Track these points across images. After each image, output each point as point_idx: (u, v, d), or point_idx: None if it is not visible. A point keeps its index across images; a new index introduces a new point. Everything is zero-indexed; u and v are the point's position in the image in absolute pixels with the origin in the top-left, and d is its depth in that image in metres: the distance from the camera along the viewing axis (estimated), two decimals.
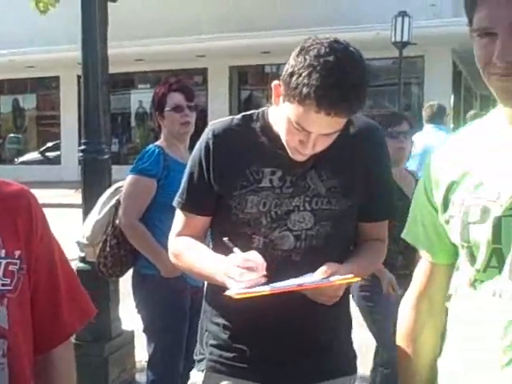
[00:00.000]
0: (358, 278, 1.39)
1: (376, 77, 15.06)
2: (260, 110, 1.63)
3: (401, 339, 1.38)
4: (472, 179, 1.18)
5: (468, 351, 1.19)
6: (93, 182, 3.49)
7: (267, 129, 1.57)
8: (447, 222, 1.23)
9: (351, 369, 1.69)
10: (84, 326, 1.29)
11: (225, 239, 1.47)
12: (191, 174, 1.62)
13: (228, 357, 1.62)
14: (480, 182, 1.16)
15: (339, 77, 1.34)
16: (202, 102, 16.67)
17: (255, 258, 1.40)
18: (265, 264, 1.39)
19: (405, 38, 11.71)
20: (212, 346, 1.65)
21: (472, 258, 1.18)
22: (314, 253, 1.53)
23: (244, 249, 1.45)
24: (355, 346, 1.73)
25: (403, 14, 11.63)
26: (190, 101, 2.80)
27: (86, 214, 3.48)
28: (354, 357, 1.71)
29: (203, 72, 16.45)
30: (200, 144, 1.61)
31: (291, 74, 1.38)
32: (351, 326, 1.72)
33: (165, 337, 2.72)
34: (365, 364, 3.50)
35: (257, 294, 1.34)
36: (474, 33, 1.11)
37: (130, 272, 2.87)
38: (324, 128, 1.41)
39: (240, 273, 1.38)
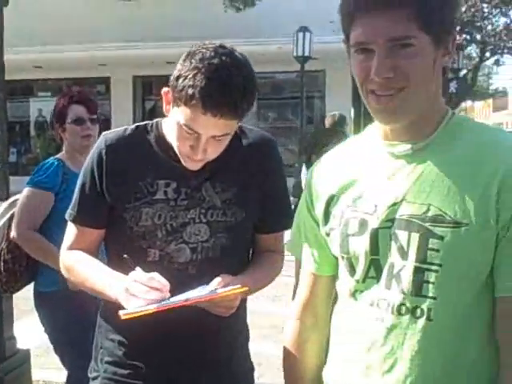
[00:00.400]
0: (246, 289, 1.37)
1: (279, 90, 15.38)
2: (154, 120, 1.61)
3: (286, 351, 1.39)
4: (351, 193, 1.23)
5: (350, 362, 1.22)
6: None
7: (161, 140, 1.56)
8: (328, 234, 1.27)
9: (248, 382, 1.68)
10: None
11: (125, 256, 1.43)
12: (83, 186, 1.57)
13: (123, 374, 1.58)
14: (358, 196, 1.21)
15: (224, 78, 1.36)
16: (106, 112, 16.35)
17: (159, 278, 1.37)
18: (168, 286, 1.36)
19: (306, 53, 12.06)
20: (107, 362, 1.61)
21: (351, 269, 1.22)
22: (210, 265, 1.52)
23: (140, 262, 1.42)
24: (255, 357, 1.73)
25: (304, 29, 11.97)
26: (92, 113, 2.74)
27: None
28: (252, 369, 1.70)
29: (106, 81, 16.13)
30: (92, 154, 1.57)
31: (177, 78, 1.39)
32: (248, 338, 1.72)
33: (72, 351, 2.62)
34: (265, 375, 3.54)
35: (144, 313, 1.31)
36: (352, 48, 1.15)
37: (29, 288, 2.76)
38: (213, 130, 1.40)
39: (145, 291, 1.34)
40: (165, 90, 1.48)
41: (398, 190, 1.16)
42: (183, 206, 1.52)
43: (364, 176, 1.22)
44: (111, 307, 1.51)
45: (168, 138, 1.54)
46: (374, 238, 1.17)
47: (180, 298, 1.35)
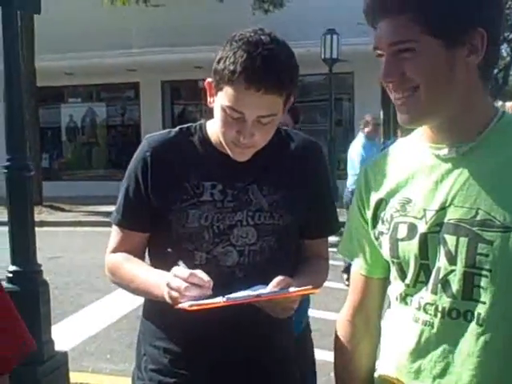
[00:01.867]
0: (318, 290, 1.36)
1: (308, 92, 15.32)
2: (197, 123, 1.61)
3: (338, 354, 1.39)
4: (399, 197, 1.22)
5: (401, 366, 1.21)
6: (18, 199, 3.38)
7: (205, 141, 1.55)
8: (377, 238, 1.27)
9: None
10: (23, 359, 1.17)
11: (169, 250, 1.41)
12: (127, 189, 1.56)
13: (169, 382, 1.55)
14: (407, 200, 1.20)
15: (265, 53, 1.35)
16: (135, 117, 16.50)
17: (202, 275, 1.34)
18: (211, 282, 1.32)
19: (334, 55, 11.98)
20: (152, 370, 1.58)
21: (402, 274, 1.21)
22: (257, 268, 1.50)
23: (187, 265, 1.40)
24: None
25: (332, 31, 11.90)
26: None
27: (12, 231, 3.36)
28: (313, 372, 1.73)
29: (135, 86, 16.27)
30: (136, 157, 1.56)
31: (219, 61, 1.39)
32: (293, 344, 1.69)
33: None
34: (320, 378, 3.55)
35: (211, 306, 1.28)
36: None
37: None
38: (257, 108, 1.38)
39: (185, 286, 1.30)
40: (208, 80, 1.47)
41: (446, 194, 1.15)
42: (230, 208, 1.51)
43: (412, 180, 1.22)
44: (156, 311, 1.52)
45: (213, 140, 1.54)
46: (423, 242, 1.16)
47: (250, 294, 1.33)
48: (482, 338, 1.11)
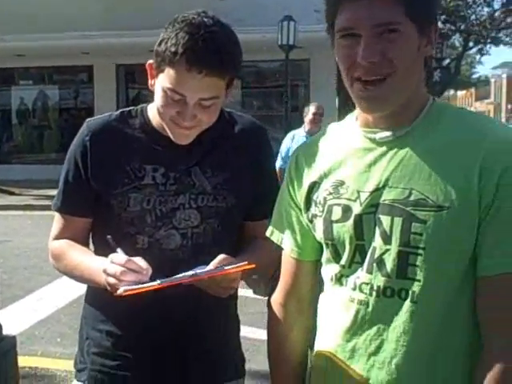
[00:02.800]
0: (253, 265, 1.34)
1: (264, 78, 15.33)
2: (139, 106, 1.59)
3: (271, 337, 1.39)
4: (332, 180, 1.24)
5: (336, 345, 1.23)
6: None
7: (147, 125, 1.53)
8: (311, 221, 1.28)
9: (238, 373, 1.67)
10: None
11: (108, 237, 1.40)
12: (67, 174, 1.54)
13: (111, 365, 1.54)
14: (340, 183, 1.22)
15: (207, 33, 1.34)
16: (89, 100, 16.21)
17: (139, 261, 1.33)
18: (149, 269, 1.31)
19: (291, 42, 12.01)
20: (94, 354, 1.57)
21: (337, 255, 1.23)
22: (201, 251, 1.50)
23: (128, 249, 1.39)
24: (242, 343, 1.71)
25: (289, 18, 11.92)
26: None
27: None
28: (243, 360, 1.70)
29: (89, 69, 15.98)
30: (75, 142, 1.54)
31: (160, 42, 1.38)
32: (239, 329, 1.71)
33: None
34: (252, 361, 3.59)
35: (146, 289, 1.28)
36: (337, 34, 1.15)
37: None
38: (199, 90, 1.36)
39: (121, 271, 1.29)
40: (149, 62, 1.44)
41: (380, 175, 1.17)
42: (172, 191, 1.50)
43: (345, 163, 1.23)
44: (98, 295, 1.50)
45: (154, 123, 1.52)
46: (359, 223, 1.18)
47: (185, 274, 1.32)
48: (416, 315, 1.13)
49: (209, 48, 1.33)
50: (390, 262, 1.15)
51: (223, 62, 1.35)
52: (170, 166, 1.50)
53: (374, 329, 1.17)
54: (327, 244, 1.24)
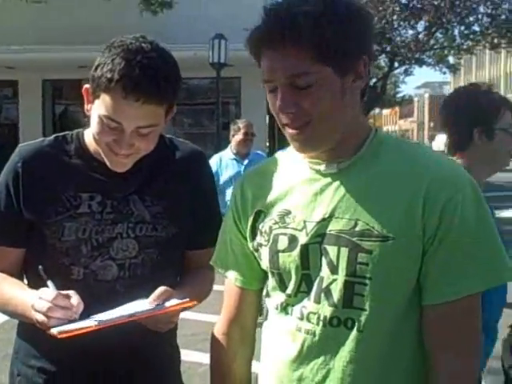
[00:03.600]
0: (195, 302, 1.31)
1: (194, 96, 15.32)
2: (75, 131, 1.52)
3: (214, 370, 1.36)
4: (278, 209, 1.23)
5: (282, 375, 1.22)
6: None
7: (82, 150, 1.47)
8: (256, 249, 1.26)
9: None
10: None
11: (40, 267, 1.32)
12: None
13: None
14: (286, 212, 1.22)
15: (144, 60, 1.29)
16: (13, 116, 15.71)
17: (72, 297, 1.26)
18: (81, 306, 1.25)
19: (222, 60, 12.08)
20: None
21: (282, 284, 1.22)
22: (139, 282, 1.44)
23: (63, 281, 1.33)
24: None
25: (220, 36, 12.00)
26: None
27: None
28: None
29: (13, 84, 15.51)
30: (7, 169, 1.46)
31: (96, 67, 1.32)
32: (179, 357, 1.65)
33: None
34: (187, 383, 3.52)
35: (83, 331, 1.21)
36: (264, 84, 1.17)
37: None
38: (136, 119, 1.31)
39: (48, 307, 1.23)
40: (85, 86, 1.39)
41: (327, 206, 1.17)
42: (109, 220, 1.44)
43: (291, 192, 1.23)
44: (30, 330, 1.41)
45: (91, 148, 1.46)
46: (305, 253, 1.18)
47: (122, 314, 1.25)
48: (363, 344, 1.13)
49: (146, 75, 1.28)
50: (336, 291, 1.15)
51: (161, 89, 1.30)
52: (107, 193, 1.44)
53: (321, 358, 1.16)
54: (273, 273, 1.23)
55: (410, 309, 1.14)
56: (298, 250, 1.18)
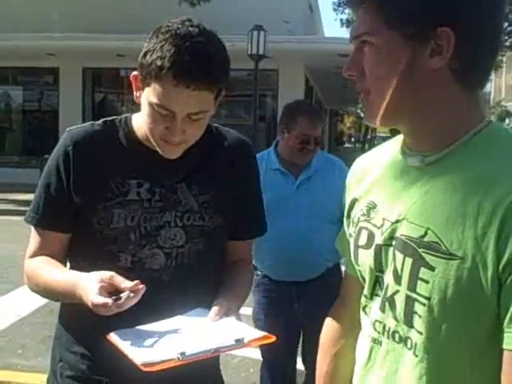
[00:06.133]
0: (273, 339, 1.24)
1: (231, 87, 15.33)
2: (123, 116, 1.50)
3: (323, 352, 1.31)
4: (367, 200, 1.13)
5: (355, 378, 1.17)
6: None
7: (131, 136, 1.45)
8: (349, 239, 1.19)
9: None
10: None
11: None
12: (47, 186, 1.43)
13: None
14: (372, 205, 1.11)
15: (194, 44, 1.27)
16: (54, 103, 15.97)
17: (124, 281, 1.23)
18: (140, 286, 1.22)
19: (260, 51, 12.05)
20: (68, 377, 1.47)
21: (363, 282, 1.14)
22: (185, 271, 1.42)
23: (110, 269, 1.30)
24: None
25: (259, 28, 11.96)
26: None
27: None
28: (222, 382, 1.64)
29: (54, 71, 15.75)
30: (57, 152, 1.43)
31: (145, 54, 1.30)
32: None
33: None
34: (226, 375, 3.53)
35: (166, 366, 1.15)
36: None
37: None
38: (188, 105, 1.29)
39: (100, 286, 1.21)
40: (134, 73, 1.37)
41: (404, 206, 1.03)
42: (158, 208, 1.42)
43: (381, 184, 1.12)
44: (73, 314, 1.42)
45: (139, 134, 1.45)
46: (378, 254, 1.07)
47: (207, 348, 1.20)
48: (418, 369, 1.00)
49: (196, 61, 1.25)
50: (399, 304, 1.02)
51: (211, 76, 1.28)
52: (155, 181, 1.43)
53: (384, 372, 1.07)
54: (356, 268, 1.16)
55: (484, 347, 0.96)
56: (372, 249, 1.08)
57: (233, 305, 1.34)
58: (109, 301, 1.20)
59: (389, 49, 0.98)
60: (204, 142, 1.45)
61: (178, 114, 1.30)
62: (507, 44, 21.86)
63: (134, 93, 1.38)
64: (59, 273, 1.40)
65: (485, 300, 0.93)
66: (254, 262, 2.36)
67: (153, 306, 1.33)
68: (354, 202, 1.17)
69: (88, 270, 1.31)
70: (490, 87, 73.11)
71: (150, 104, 1.31)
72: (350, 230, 1.18)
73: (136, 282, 1.22)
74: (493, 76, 60.74)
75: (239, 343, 1.23)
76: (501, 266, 0.90)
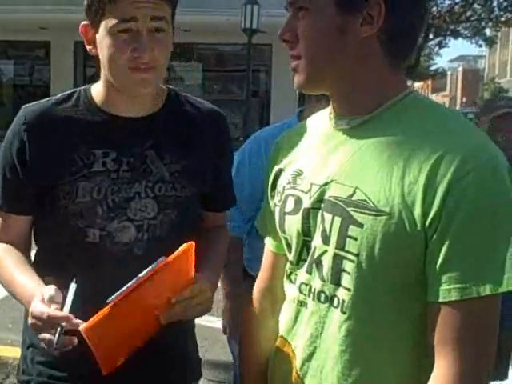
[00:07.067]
0: (192, 243, 1.19)
1: (225, 62, 15.22)
2: (81, 87, 1.46)
3: (244, 336, 1.33)
4: (292, 168, 1.16)
5: (283, 344, 1.19)
6: None
7: (92, 105, 1.40)
8: (273, 210, 1.21)
9: (197, 374, 1.61)
10: None
11: (73, 281, 1.21)
12: (3, 169, 1.39)
13: (61, 376, 1.40)
14: (298, 172, 1.14)
15: None
16: (45, 78, 15.81)
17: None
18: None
19: (254, 26, 11.94)
20: (39, 363, 1.42)
21: (289, 250, 1.16)
22: (158, 244, 1.36)
23: (77, 245, 1.30)
24: (201, 330, 1.67)
25: (253, 1, 11.84)
26: None
27: None
28: (200, 360, 1.62)
29: (46, 45, 15.57)
30: (11, 132, 1.39)
31: None
32: (194, 335, 1.61)
33: None
34: (210, 351, 3.55)
35: (102, 316, 1.10)
36: None
37: None
38: (148, 8, 1.27)
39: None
40: (83, 23, 1.35)
41: (331, 168, 1.07)
42: (126, 179, 1.36)
43: (307, 151, 1.16)
44: None
45: (99, 101, 1.40)
46: (306, 218, 1.09)
47: (129, 284, 1.13)
48: (345, 326, 1.03)
49: None
50: (326, 264, 1.05)
51: None
52: (122, 149, 1.37)
53: (308, 334, 1.09)
54: (282, 237, 1.18)
55: (408, 301, 1.01)
56: (300, 213, 1.10)
57: (208, 277, 1.32)
58: (47, 336, 1.16)
59: (322, 15, 1.03)
60: (173, 108, 1.43)
61: (140, 22, 1.27)
62: (503, 19, 21.78)
63: (87, 46, 1.35)
64: (20, 278, 1.34)
65: (411, 255, 0.98)
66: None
67: (126, 282, 1.25)
68: (279, 172, 1.20)
69: (57, 250, 1.29)
70: (483, 63, 73.00)
71: (111, 31, 1.28)
72: (275, 200, 1.20)
73: (75, 322, 1.13)
74: (487, 52, 60.62)
75: (159, 261, 1.14)
76: (427, 222, 0.95)
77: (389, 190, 0.98)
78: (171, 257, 1.16)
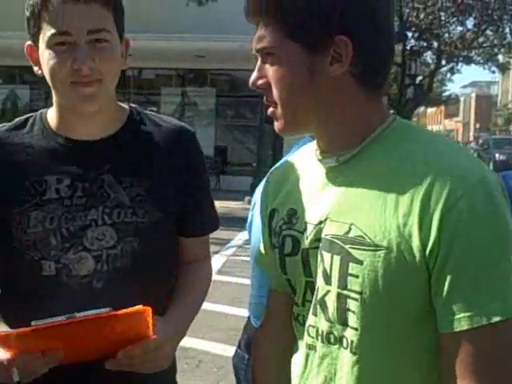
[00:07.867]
0: (148, 308, 1.09)
1: (238, 87, 15.33)
2: (37, 112, 1.38)
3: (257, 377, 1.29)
4: (287, 207, 1.13)
5: None
6: None
7: (47, 130, 1.33)
8: (273, 251, 1.17)
9: None
10: None
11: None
12: None
13: None
14: (293, 212, 1.12)
15: None
16: None
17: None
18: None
19: None
20: None
21: (293, 291, 1.12)
22: (119, 276, 1.26)
23: (34, 279, 1.23)
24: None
25: None
26: None
27: None
28: None
29: None
30: None
31: (27, 9, 1.26)
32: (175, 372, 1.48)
33: None
34: (225, 379, 3.50)
35: (19, 332, 1.06)
36: None
37: None
38: (83, 21, 1.19)
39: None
40: (27, 43, 1.29)
41: (325, 206, 1.05)
42: (81, 206, 1.27)
43: (299, 190, 1.13)
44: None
45: (54, 126, 1.33)
46: (306, 258, 1.07)
47: (60, 318, 1.06)
48: (356, 368, 1.00)
49: None
50: (331, 305, 1.02)
51: None
52: (76, 174, 1.28)
53: (322, 377, 1.06)
54: (284, 278, 1.14)
55: (418, 333, 0.98)
56: (300, 254, 1.08)
57: (178, 327, 1.27)
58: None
59: (290, 60, 1.01)
60: (134, 128, 1.35)
61: (76, 34, 1.20)
62: None
63: (34, 68, 1.30)
64: None
65: (415, 287, 0.95)
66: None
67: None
68: (273, 212, 1.17)
69: (12, 284, 1.25)
70: (496, 89, 73.03)
71: (49, 44, 1.22)
72: (273, 241, 1.17)
73: None
74: (500, 78, 60.63)
75: (99, 311, 1.08)
76: (427, 253, 0.93)
77: (384, 223, 0.96)
78: (118, 312, 1.08)
